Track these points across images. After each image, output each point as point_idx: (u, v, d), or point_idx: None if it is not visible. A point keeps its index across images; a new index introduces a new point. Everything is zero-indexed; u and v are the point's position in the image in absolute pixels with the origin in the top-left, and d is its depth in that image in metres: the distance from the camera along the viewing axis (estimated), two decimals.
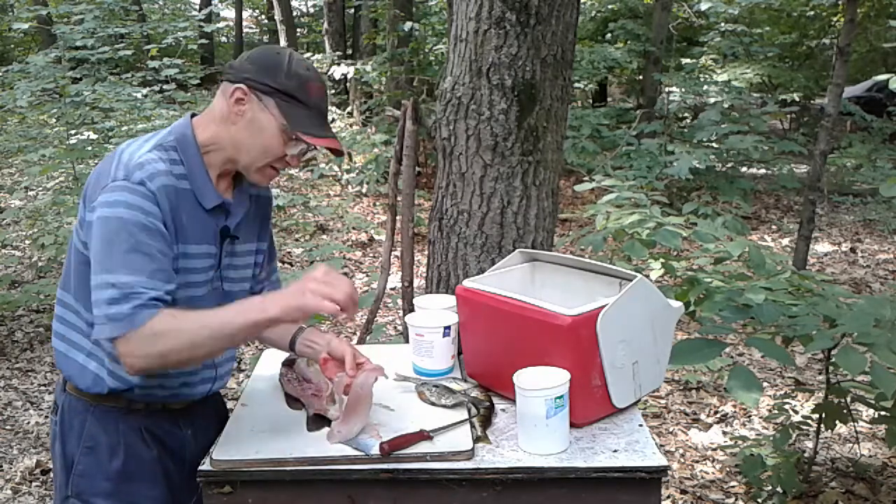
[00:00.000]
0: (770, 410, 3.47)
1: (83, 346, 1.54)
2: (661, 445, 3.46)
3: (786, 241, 7.16)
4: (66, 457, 1.59)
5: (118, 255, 1.37)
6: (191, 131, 1.51)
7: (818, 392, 3.16)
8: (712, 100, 9.26)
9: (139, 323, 1.35)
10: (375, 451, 1.46)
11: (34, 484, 3.25)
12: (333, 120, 10.13)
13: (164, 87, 8.19)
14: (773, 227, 7.89)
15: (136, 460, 1.57)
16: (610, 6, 13.13)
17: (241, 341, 1.45)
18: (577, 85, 11.85)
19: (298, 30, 17.61)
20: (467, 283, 1.80)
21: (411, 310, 2.31)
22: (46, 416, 3.85)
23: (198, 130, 1.52)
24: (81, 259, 1.48)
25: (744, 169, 9.00)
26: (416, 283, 2.83)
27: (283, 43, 12.50)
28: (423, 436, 1.51)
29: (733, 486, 3.14)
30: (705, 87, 9.55)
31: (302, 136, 1.48)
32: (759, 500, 2.95)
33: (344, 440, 1.50)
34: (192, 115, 1.56)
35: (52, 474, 3.26)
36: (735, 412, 3.80)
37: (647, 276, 1.79)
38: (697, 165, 7.43)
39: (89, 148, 6.15)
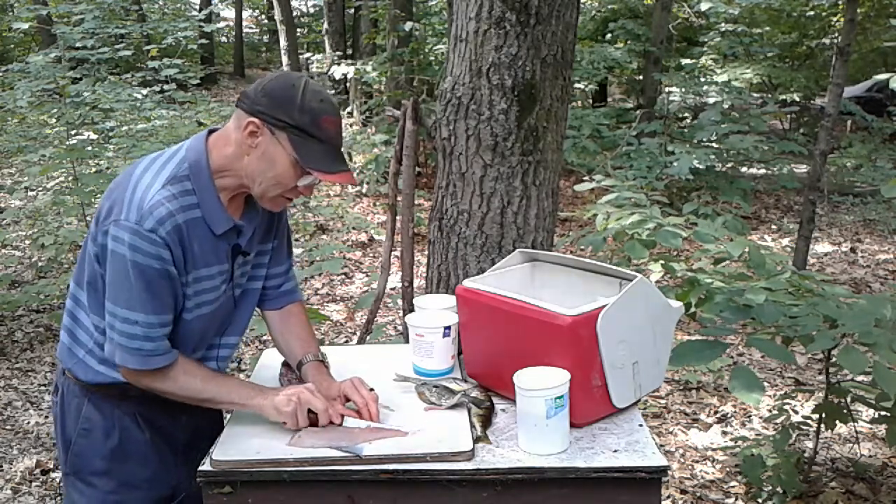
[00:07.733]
0: (770, 410, 3.46)
1: (85, 344, 1.61)
2: (661, 445, 3.46)
3: (786, 241, 7.16)
4: (65, 437, 1.68)
5: (137, 294, 1.48)
6: (205, 157, 1.53)
7: (818, 392, 3.16)
8: (712, 100, 9.25)
9: (154, 365, 1.52)
10: (365, 452, 1.47)
11: (34, 484, 3.25)
12: None
13: (164, 87, 8.20)
14: (773, 227, 7.88)
15: (129, 442, 1.65)
16: (610, 6, 13.11)
17: None
18: (577, 85, 11.82)
19: (298, 30, 17.60)
20: (467, 283, 1.80)
21: (411, 310, 2.30)
22: (46, 416, 3.86)
23: (213, 154, 1.53)
24: (93, 270, 1.54)
25: (744, 169, 8.99)
26: (416, 283, 2.83)
27: (283, 43, 12.49)
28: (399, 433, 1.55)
29: (733, 486, 3.14)
30: (705, 87, 9.54)
31: (314, 171, 1.50)
32: (759, 500, 2.95)
33: (301, 445, 1.52)
34: (210, 132, 1.57)
35: (52, 474, 3.29)
36: (735, 412, 3.80)
37: (647, 277, 1.79)
38: (697, 165, 7.42)
39: (89, 148, 6.15)
